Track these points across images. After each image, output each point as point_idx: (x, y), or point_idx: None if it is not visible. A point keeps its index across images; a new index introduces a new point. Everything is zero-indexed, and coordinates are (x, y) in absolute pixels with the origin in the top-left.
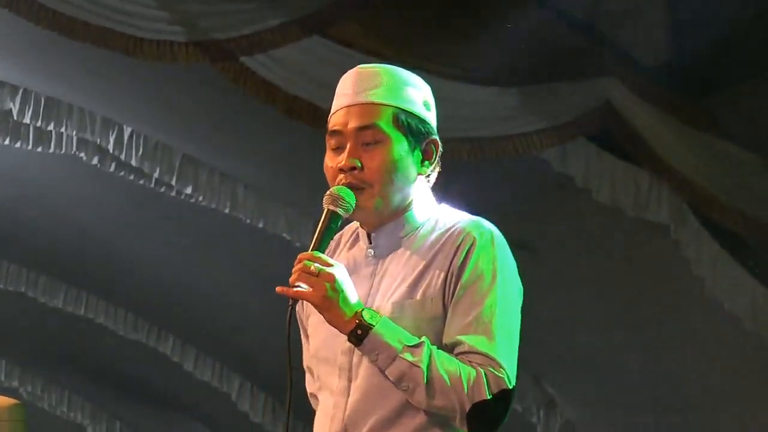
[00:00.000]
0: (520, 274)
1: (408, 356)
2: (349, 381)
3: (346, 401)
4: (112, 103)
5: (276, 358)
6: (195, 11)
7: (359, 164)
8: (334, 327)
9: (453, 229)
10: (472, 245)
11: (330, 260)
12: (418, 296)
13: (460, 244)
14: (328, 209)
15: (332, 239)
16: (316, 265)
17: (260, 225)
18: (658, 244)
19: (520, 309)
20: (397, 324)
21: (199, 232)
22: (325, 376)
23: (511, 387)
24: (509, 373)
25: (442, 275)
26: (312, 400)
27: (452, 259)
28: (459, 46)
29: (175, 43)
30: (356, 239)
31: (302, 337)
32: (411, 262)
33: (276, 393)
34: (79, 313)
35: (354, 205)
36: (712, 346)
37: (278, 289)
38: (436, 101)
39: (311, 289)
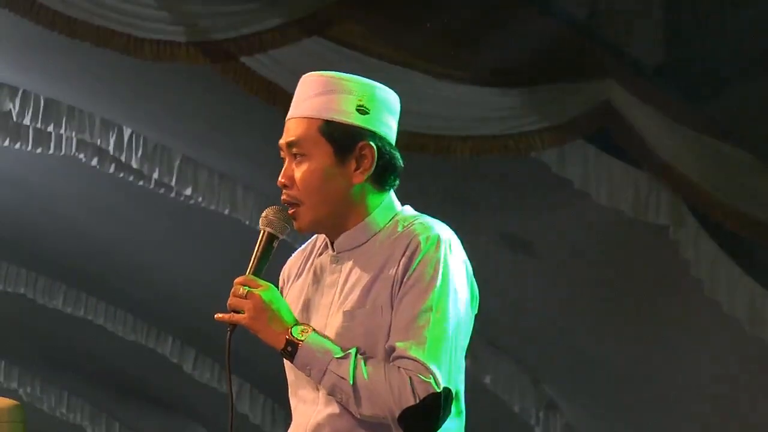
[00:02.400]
0: (518, 277)
1: (335, 368)
2: (316, 391)
3: (314, 410)
4: (112, 104)
5: (275, 360)
6: (195, 11)
7: (290, 182)
8: (270, 345)
9: (403, 234)
10: (416, 250)
11: (260, 282)
12: (368, 305)
13: (406, 250)
14: (264, 230)
15: (268, 260)
16: (243, 287)
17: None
18: (657, 245)
19: (464, 313)
20: (350, 332)
21: (199, 233)
22: (294, 385)
23: (438, 390)
24: (437, 377)
25: (389, 282)
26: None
27: (398, 265)
28: (459, 47)
29: (175, 43)
30: (326, 245)
31: None
32: (365, 269)
33: (275, 395)
34: (79, 314)
35: (288, 224)
36: (712, 348)
37: (216, 316)
38: (437, 101)
39: (242, 312)
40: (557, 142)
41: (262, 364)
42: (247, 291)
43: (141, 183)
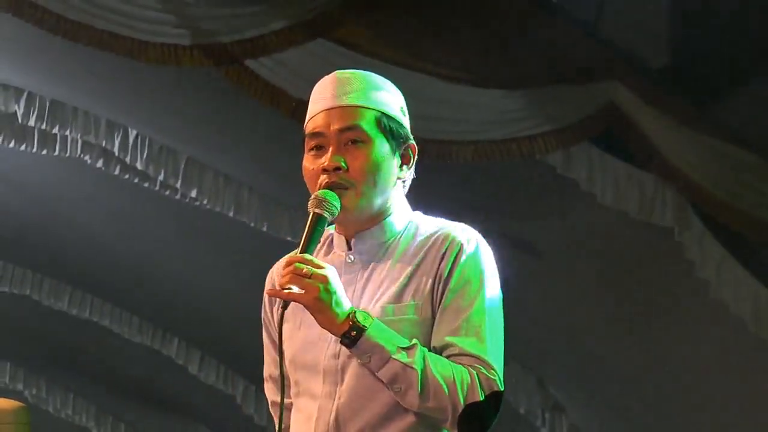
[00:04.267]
0: (523, 278)
1: (402, 357)
2: (335, 385)
3: (332, 404)
4: (117, 105)
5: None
6: (199, 14)
7: (344, 164)
8: (326, 329)
9: (438, 234)
10: (459, 251)
11: (321, 263)
12: (406, 300)
13: (446, 250)
14: (314, 212)
15: (319, 242)
16: (307, 267)
17: (264, 228)
18: (662, 246)
19: (503, 313)
20: (389, 327)
21: (204, 234)
22: (305, 381)
23: (502, 389)
24: (500, 375)
25: (430, 280)
26: (273, 409)
27: (440, 265)
28: (464, 49)
29: (180, 46)
30: (330, 245)
31: (266, 344)
32: (396, 268)
33: None
34: (84, 315)
35: (339, 208)
36: (718, 349)
37: (269, 291)
38: (441, 104)
39: (303, 292)
40: (562, 144)
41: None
42: (312, 271)
43: (146, 185)
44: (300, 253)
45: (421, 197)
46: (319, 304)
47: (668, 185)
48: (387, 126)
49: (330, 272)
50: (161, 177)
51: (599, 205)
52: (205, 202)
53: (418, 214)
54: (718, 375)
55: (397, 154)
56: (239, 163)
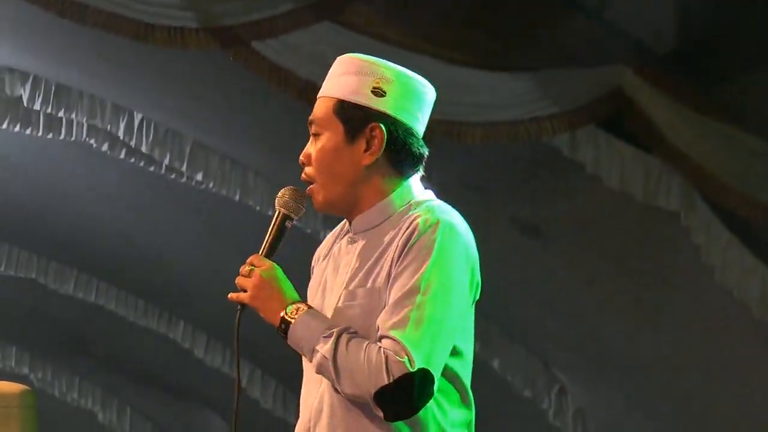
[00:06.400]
0: (528, 261)
1: (321, 348)
2: None
3: (319, 389)
4: (123, 89)
5: (286, 346)
6: None
7: (307, 159)
8: (270, 323)
9: (407, 217)
10: (413, 232)
11: (264, 261)
12: (368, 285)
13: (405, 232)
14: (279, 211)
15: (282, 241)
16: (249, 267)
17: (270, 212)
18: (668, 230)
19: (458, 298)
20: (349, 311)
21: (210, 218)
22: (306, 368)
23: (412, 371)
24: (415, 357)
25: (388, 263)
26: None
27: (396, 247)
28: (471, 32)
29: (186, 29)
30: (348, 229)
31: None
32: (371, 251)
33: (287, 380)
34: (90, 299)
35: (302, 205)
36: (724, 333)
37: (229, 295)
38: (448, 86)
39: (247, 291)
40: (569, 127)
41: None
42: (250, 270)
43: (152, 168)
44: (261, 252)
45: (429, 181)
46: (255, 301)
47: (674, 169)
48: (342, 113)
49: (265, 270)
50: (167, 161)
51: (605, 188)
52: (211, 185)
53: (426, 194)
54: (727, 359)
55: (358, 139)
56: (245, 146)
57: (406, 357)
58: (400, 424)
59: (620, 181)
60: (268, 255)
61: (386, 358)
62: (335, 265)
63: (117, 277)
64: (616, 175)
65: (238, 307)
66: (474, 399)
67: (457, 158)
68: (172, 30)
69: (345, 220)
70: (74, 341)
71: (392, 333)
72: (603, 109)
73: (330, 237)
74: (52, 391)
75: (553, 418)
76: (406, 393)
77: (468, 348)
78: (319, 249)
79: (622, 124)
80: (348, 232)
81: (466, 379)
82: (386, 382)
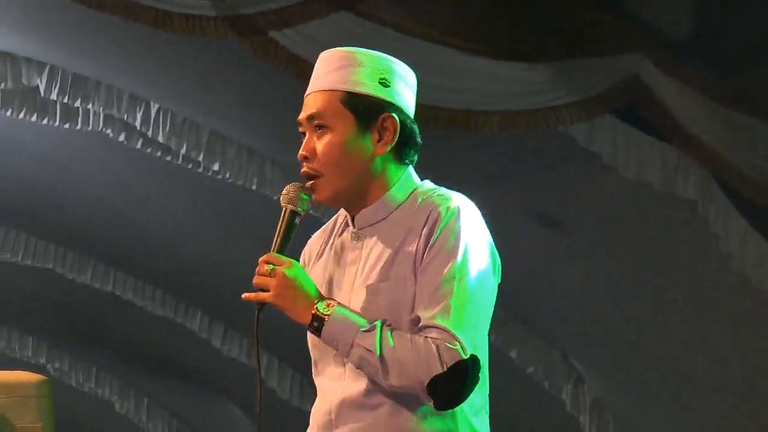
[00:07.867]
0: (545, 251)
1: (363, 342)
2: (342, 365)
3: (340, 386)
4: (140, 79)
5: (304, 335)
6: None
7: (311, 154)
8: (297, 322)
9: (423, 206)
10: (436, 221)
11: (283, 259)
12: (391, 278)
13: (426, 221)
14: (286, 208)
15: (291, 237)
16: (267, 266)
17: None
18: (685, 219)
19: (487, 282)
20: (374, 306)
21: (227, 208)
22: (322, 363)
23: (465, 357)
24: (465, 344)
25: (411, 254)
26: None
27: (419, 237)
28: (488, 22)
29: (204, 17)
30: (347, 223)
31: None
32: (387, 244)
33: (304, 369)
34: (107, 289)
35: (307, 199)
36: (742, 323)
37: (244, 296)
38: (464, 76)
39: (268, 291)
40: (585, 116)
41: (290, 338)
42: (271, 269)
43: (169, 158)
44: (273, 250)
45: (446, 171)
46: (280, 300)
47: (691, 158)
48: (352, 105)
49: (289, 268)
50: (183, 150)
51: (622, 178)
52: (227, 175)
53: (425, 183)
54: (746, 349)
55: (369, 130)
56: (262, 136)
57: (457, 344)
58: (430, 416)
59: (637, 171)
60: (280, 252)
61: (437, 347)
62: (340, 262)
63: (134, 266)
64: (633, 165)
65: (256, 307)
66: (491, 389)
67: (473, 149)
68: (190, 18)
69: (336, 216)
70: (91, 331)
71: (438, 322)
72: (620, 97)
73: (319, 234)
74: (69, 381)
75: (571, 408)
76: (459, 380)
77: (487, 332)
78: (307, 249)
79: (639, 113)
80: (344, 227)
81: (486, 362)
82: (440, 370)
